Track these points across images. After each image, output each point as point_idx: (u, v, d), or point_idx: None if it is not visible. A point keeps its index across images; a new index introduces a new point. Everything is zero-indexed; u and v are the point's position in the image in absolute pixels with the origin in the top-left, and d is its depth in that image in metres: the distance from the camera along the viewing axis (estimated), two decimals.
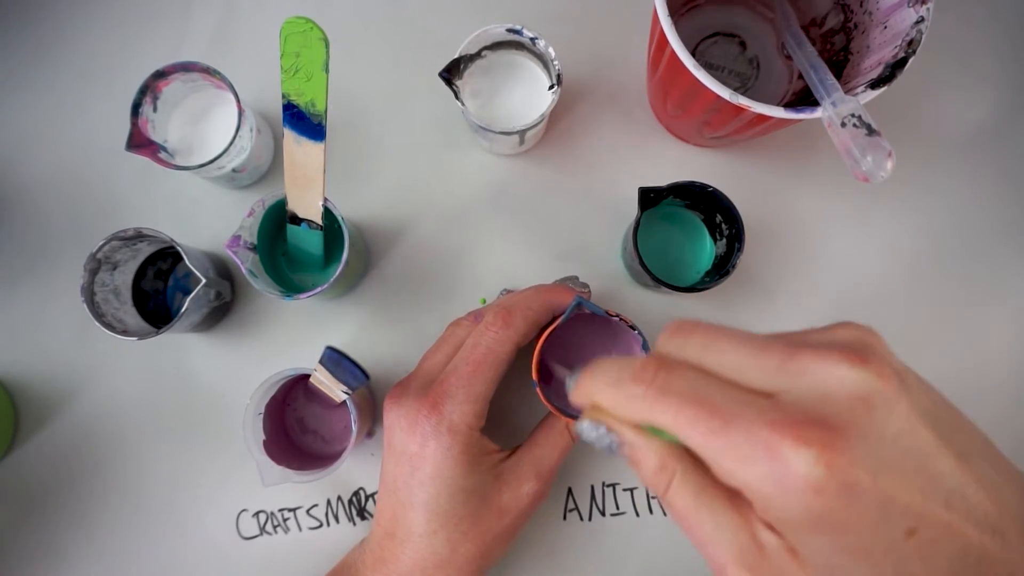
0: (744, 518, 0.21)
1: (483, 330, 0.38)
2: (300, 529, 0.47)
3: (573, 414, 0.39)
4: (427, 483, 0.36)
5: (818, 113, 0.36)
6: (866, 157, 0.33)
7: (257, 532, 0.47)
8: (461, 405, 0.37)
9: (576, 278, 0.46)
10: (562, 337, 0.44)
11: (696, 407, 0.20)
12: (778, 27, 0.45)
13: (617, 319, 0.39)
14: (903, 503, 0.19)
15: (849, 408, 0.19)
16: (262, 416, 0.42)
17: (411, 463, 0.37)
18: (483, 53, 0.44)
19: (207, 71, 0.43)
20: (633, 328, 0.38)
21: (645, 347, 0.39)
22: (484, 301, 0.48)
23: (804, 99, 0.46)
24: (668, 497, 0.22)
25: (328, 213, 0.41)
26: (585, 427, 0.23)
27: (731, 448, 0.20)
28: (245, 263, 0.40)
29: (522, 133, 0.43)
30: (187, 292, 0.47)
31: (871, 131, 0.33)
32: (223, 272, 0.48)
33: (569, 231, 0.49)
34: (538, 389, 0.38)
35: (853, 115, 0.34)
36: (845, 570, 0.19)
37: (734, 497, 0.21)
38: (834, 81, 0.37)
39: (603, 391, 0.23)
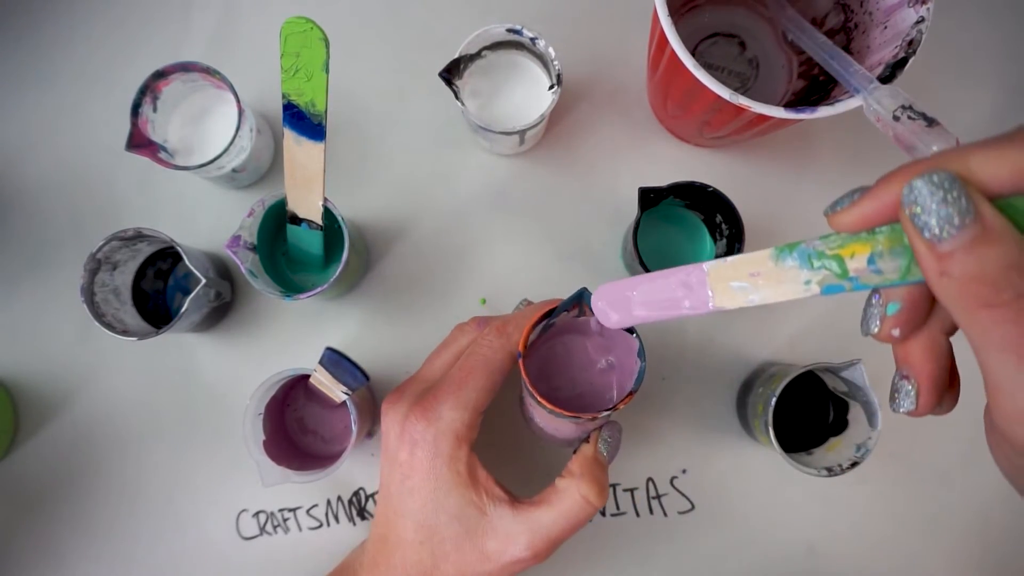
0: None
1: (479, 340, 0.38)
2: (300, 529, 0.47)
3: (554, 405, 0.32)
4: (415, 492, 0.36)
5: (819, 113, 0.36)
6: (932, 148, 0.31)
7: (257, 532, 0.47)
8: (450, 412, 0.36)
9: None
10: (552, 350, 0.39)
11: None
12: (780, 22, 0.45)
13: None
14: None
15: None
16: (262, 416, 0.42)
17: (401, 470, 0.37)
18: (483, 53, 0.44)
19: (207, 71, 0.43)
20: (631, 332, 0.34)
21: (641, 353, 0.34)
22: (484, 301, 0.48)
23: (804, 99, 0.46)
24: None
25: (328, 213, 0.41)
26: (923, 182, 0.19)
27: None
28: (245, 263, 0.40)
29: (522, 133, 0.43)
30: (187, 292, 0.47)
31: (930, 122, 0.31)
32: (223, 272, 0.48)
33: (569, 231, 0.49)
34: (520, 362, 0.34)
35: (904, 107, 0.32)
36: None
37: None
38: (865, 71, 0.36)
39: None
